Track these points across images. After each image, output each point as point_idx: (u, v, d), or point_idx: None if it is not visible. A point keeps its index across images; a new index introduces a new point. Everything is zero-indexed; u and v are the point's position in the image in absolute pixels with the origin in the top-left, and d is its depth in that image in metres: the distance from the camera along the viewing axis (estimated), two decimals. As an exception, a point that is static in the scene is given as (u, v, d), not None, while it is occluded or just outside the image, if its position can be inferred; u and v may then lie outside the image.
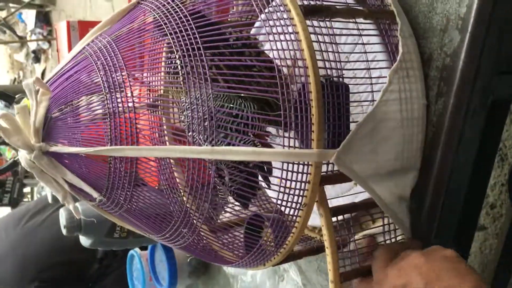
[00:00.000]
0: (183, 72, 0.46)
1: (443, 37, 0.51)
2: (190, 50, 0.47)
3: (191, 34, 0.48)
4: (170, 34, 0.48)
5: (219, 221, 0.72)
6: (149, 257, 1.13)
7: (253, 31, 0.66)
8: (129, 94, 0.46)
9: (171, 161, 0.54)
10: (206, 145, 0.45)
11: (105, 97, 0.47)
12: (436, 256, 0.43)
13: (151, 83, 0.53)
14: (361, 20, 0.52)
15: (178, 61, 0.47)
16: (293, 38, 0.46)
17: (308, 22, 0.47)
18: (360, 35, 0.52)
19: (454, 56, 0.50)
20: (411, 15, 0.54)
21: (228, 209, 0.65)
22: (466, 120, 0.50)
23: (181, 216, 0.53)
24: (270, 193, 0.69)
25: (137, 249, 1.17)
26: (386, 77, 0.51)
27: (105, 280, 1.55)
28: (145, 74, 0.53)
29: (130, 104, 0.46)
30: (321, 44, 0.48)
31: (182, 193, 0.53)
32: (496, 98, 0.52)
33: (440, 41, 0.51)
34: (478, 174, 0.58)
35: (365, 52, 0.52)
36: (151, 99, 0.55)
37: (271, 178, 0.70)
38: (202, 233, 0.57)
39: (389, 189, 0.51)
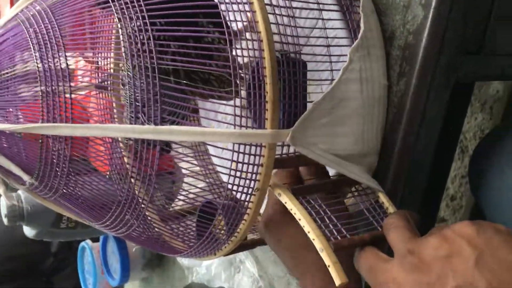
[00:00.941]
0: (125, 42, 0.42)
1: (406, 14, 0.48)
2: (134, 19, 0.43)
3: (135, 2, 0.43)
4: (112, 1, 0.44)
5: (171, 209, 0.69)
6: (101, 249, 1.08)
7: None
8: (64, 66, 0.42)
9: (120, 144, 0.50)
10: (149, 124, 0.41)
11: (37, 71, 0.43)
12: (488, 227, 0.37)
13: (92, 58, 0.49)
14: (321, -6, 0.49)
15: (120, 30, 0.43)
16: (247, 8, 0.42)
17: (264, -4, 0.43)
18: (320, 9, 0.49)
19: (417, 33, 0.47)
20: (374, -9, 0.51)
21: (181, 197, 0.61)
22: (428, 100, 0.48)
23: (127, 203, 0.48)
24: (224, 177, 0.65)
25: (88, 241, 1.11)
26: (346, 55, 0.48)
27: (61, 274, 1.48)
28: (86, 48, 0.48)
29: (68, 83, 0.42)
30: (278, 17, 0.45)
31: (130, 179, 0.49)
32: (460, 79, 0.50)
33: (403, 18, 0.48)
34: (440, 163, 0.56)
35: (325, 28, 0.49)
36: (93, 76, 0.50)
37: (223, 161, 0.67)
38: (151, 222, 0.53)
39: (348, 171, 0.48)
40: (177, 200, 0.67)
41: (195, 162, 0.70)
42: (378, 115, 0.50)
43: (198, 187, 0.64)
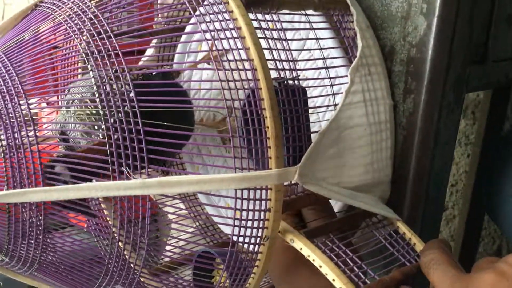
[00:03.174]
0: (98, 85, 0.36)
1: (405, 25, 0.44)
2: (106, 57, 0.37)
3: (105, 38, 0.38)
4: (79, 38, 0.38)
5: (160, 261, 0.62)
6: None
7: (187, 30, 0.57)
8: (27, 114, 0.36)
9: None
10: (136, 178, 0.35)
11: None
12: None
13: (58, 103, 0.42)
14: (310, 12, 0.45)
15: (91, 73, 0.37)
16: (235, 35, 0.37)
17: (251, 16, 0.38)
18: (313, 28, 0.44)
19: (421, 45, 0.43)
20: (365, 4, 0.47)
21: (169, 247, 0.55)
22: (441, 119, 0.44)
23: (114, 262, 0.42)
24: (223, 227, 0.59)
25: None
26: (344, 76, 0.44)
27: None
28: (50, 94, 0.42)
29: (31, 134, 0.35)
30: (269, 41, 0.40)
31: (114, 234, 0.43)
32: (468, 91, 0.46)
33: (403, 30, 0.44)
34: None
35: (320, 49, 0.44)
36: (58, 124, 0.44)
37: (220, 210, 0.61)
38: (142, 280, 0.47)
39: (363, 204, 0.43)
40: (165, 251, 0.60)
41: (182, 206, 0.64)
42: (387, 139, 0.45)
43: (187, 230, 0.58)
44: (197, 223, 0.65)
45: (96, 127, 0.37)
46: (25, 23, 0.43)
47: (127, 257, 0.38)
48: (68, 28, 0.41)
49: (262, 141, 0.37)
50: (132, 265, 0.39)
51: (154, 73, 0.45)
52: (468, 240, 1.10)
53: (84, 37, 0.39)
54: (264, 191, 0.38)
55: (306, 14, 0.44)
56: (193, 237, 0.63)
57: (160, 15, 0.64)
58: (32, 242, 0.37)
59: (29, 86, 0.41)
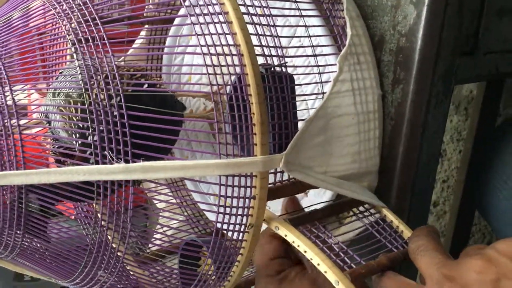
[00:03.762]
0: (82, 70, 0.35)
1: (395, 15, 0.44)
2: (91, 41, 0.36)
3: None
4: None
5: (148, 251, 0.62)
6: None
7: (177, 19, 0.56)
8: (10, 102, 0.35)
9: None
10: (118, 162, 0.34)
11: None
12: None
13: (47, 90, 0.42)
14: (300, -1, 0.44)
15: (76, 61, 0.36)
16: (222, 19, 0.37)
17: (239, 1, 0.38)
18: (302, 16, 0.43)
19: (410, 35, 0.43)
20: (356, -7, 0.46)
21: (158, 235, 0.55)
22: (429, 109, 0.43)
23: (101, 251, 0.41)
24: (209, 215, 0.59)
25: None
26: (333, 65, 0.43)
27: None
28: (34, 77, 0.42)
29: (14, 121, 0.35)
30: (257, 26, 0.39)
31: (100, 222, 0.42)
32: (457, 82, 0.46)
33: (392, 20, 0.44)
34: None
35: (309, 36, 0.44)
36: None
37: (205, 196, 0.60)
38: (128, 268, 0.46)
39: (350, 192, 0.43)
40: (153, 239, 0.60)
41: (170, 194, 0.64)
42: (375, 129, 0.45)
43: (175, 219, 0.58)
44: (186, 213, 0.65)
45: (79, 111, 0.37)
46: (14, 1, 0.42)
47: (113, 245, 0.38)
48: (55, 14, 0.40)
49: (247, 128, 0.36)
50: (117, 252, 0.39)
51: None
52: (459, 235, 1.10)
53: (72, 24, 0.38)
54: (249, 178, 0.37)
55: (296, 1, 0.43)
56: (182, 226, 0.63)
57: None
58: (13, 227, 0.37)
59: (15, 72, 0.41)
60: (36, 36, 0.44)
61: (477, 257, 0.33)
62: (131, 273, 0.46)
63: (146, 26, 0.60)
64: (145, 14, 0.62)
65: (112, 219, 0.39)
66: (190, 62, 0.58)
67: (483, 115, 1.03)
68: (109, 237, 0.40)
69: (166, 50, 0.59)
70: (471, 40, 0.47)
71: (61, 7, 0.40)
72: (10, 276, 0.81)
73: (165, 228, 0.49)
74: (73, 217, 0.46)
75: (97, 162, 0.35)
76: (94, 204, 0.39)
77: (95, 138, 0.35)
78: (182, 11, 0.56)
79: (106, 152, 0.35)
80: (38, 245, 0.42)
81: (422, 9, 0.41)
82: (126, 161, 0.35)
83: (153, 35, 0.62)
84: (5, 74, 0.39)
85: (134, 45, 0.61)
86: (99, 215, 0.38)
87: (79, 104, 0.36)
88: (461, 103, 1.11)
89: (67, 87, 0.36)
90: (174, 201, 0.65)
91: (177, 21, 0.56)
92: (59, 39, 0.42)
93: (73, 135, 0.37)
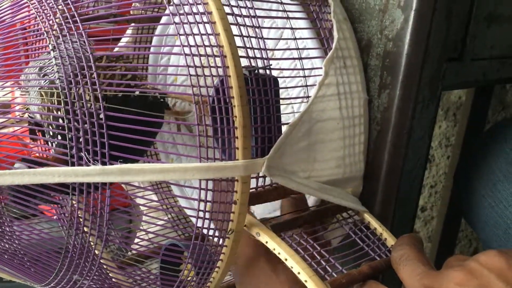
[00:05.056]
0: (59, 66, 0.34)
1: (383, 19, 0.43)
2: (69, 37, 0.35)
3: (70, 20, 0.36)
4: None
5: (129, 253, 0.60)
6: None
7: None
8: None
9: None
10: (94, 164, 0.33)
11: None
12: None
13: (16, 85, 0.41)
14: (287, 1, 0.44)
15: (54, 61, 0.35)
16: (205, 19, 0.36)
17: (223, 1, 0.37)
18: (288, 18, 0.43)
19: (397, 39, 0.42)
20: (344, -5, 0.46)
21: (140, 238, 0.54)
22: (415, 115, 0.43)
23: (76, 255, 0.40)
24: (192, 218, 0.58)
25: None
26: (319, 68, 0.43)
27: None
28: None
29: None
30: (241, 28, 0.39)
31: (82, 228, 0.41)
32: (444, 88, 0.45)
33: (380, 24, 0.43)
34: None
35: (295, 39, 0.43)
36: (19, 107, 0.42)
37: (189, 200, 0.59)
38: (106, 272, 0.45)
39: (333, 197, 0.42)
40: (135, 242, 0.59)
41: (154, 197, 0.63)
42: (360, 134, 0.44)
43: (158, 224, 0.57)
44: (169, 216, 0.64)
45: (55, 110, 0.36)
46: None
47: (92, 247, 0.37)
48: (34, 11, 0.39)
49: (229, 131, 0.36)
50: (95, 256, 0.38)
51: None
52: (445, 241, 1.10)
53: (53, 19, 0.37)
54: (230, 183, 0.36)
55: (282, 3, 0.42)
56: (164, 229, 0.62)
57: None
58: (-14, 228, 0.36)
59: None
60: (17, 34, 0.43)
61: (458, 269, 0.32)
62: (110, 276, 0.45)
63: (133, 24, 0.59)
64: (131, 12, 0.61)
65: (88, 221, 0.38)
66: (177, 63, 0.57)
67: (472, 121, 1.03)
68: (85, 238, 0.39)
69: (152, 49, 0.58)
70: (459, 46, 0.46)
71: (40, 4, 0.39)
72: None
73: (147, 230, 0.48)
74: (55, 217, 0.45)
75: (73, 164, 0.34)
76: (68, 206, 0.38)
77: (72, 138, 0.33)
78: (167, 11, 0.55)
79: (82, 154, 0.34)
80: (13, 247, 0.41)
81: (410, 14, 0.41)
82: (103, 163, 0.34)
83: (139, 33, 0.61)
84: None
85: (119, 44, 0.60)
86: (73, 217, 0.37)
87: (55, 103, 0.35)
88: (449, 109, 1.11)
89: (41, 85, 0.35)
90: (157, 204, 0.64)
91: (163, 20, 0.55)
92: (39, 35, 0.41)
93: (50, 135, 0.36)
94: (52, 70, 0.34)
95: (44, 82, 0.36)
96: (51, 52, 0.34)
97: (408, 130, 0.43)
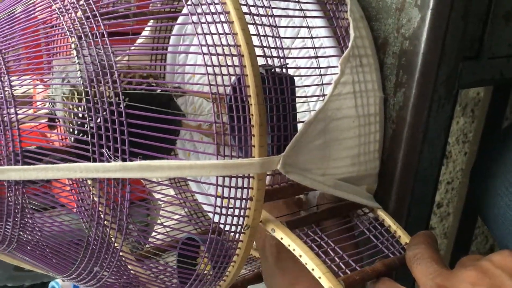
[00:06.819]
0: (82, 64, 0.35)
1: (399, 17, 0.43)
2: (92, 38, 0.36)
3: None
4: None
5: (147, 246, 0.62)
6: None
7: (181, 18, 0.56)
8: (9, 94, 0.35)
9: (88, 181, 0.43)
10: (115, 160, 0.34)
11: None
12: None
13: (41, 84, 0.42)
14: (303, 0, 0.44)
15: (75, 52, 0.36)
16: (223, 19, 0.37)
17: (241, 1, 0.38)
18: (304, 16, 0.43)
19: (414, 38, 0.42)
20: (360, -6, 0.46)
21: (158, 230, 0.55)
22: (431, 113, 0.43)
23: (96, 250, 0.41)
24: (209, 214, 0.59)
25: (58, 280, 1.02)
26: (336, 67, 0.43)
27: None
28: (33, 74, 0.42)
29: (12, 111, 0.35)
30: (259, 27, 0.39)
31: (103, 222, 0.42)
32: (460, 87, 0.45)
33: (397, 22, 0.43)
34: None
35: (311, 38, 0.43)
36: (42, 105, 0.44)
37: (206, 196, 0.60)
38: (125, 264, 0.46)
39: (348, 195, 0.43)
40: (153, 234, 0.60)
41: (171, 191, 0.64)
42: (375, 133, 0.44)
43: (173, 219, 0.58)
44: (185, 210, 0.65)
45: (78, 108, 0.37)
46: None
47: (112, 240, 0.38)
48: (56, 9, 0.40)
49: (246, 129, 0.36)
50: (115, 248, 0.39)
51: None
52: (461, 238, 1.10)
53: (75, 17, 0.38)
54: (246, 180, 0.37)
55: (299, 2, 0.43)
56: (181, 223, 0.63)
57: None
58: (10, 220, 0.37)
59: (15, 63, 0.41)
60: (39, 31, 0.44)
61: (471, 268, 0.33)
62: (129, 268, 0.46)
63: (151, 22, 0.60)
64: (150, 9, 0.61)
65: (109, 215, 0.39)
66: (194, 61, 0.58)
67: (490, 117, 1.03)
68: (106, 231, 0.40)
69: (170, 49, 0.59)
70: (476, 44, 0.46)
71: (62, 2, 0.40)
72: (11, 266, 0.81)
73: (164, 223, 0.49)
74: (74, 210, 0.46)
75: (94, 160, 0.35)
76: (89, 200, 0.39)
77: (93, 135, 0.35)
78: (185, 10, 0.56)
79: (103, 150, 0.35)
80: (35, 238, 0.42)
81: (427, 13, 0.41)
82: (124, 160, 0.35)
83: (157, 32, 0.62)
84: (4, 65, 0.39)
85: (137, 43, 0.61)
86: (94, 211, 0.39)
87: (76, 101, 0.36)
88: (468, 105, 1.10)
89: (64, 84, 0.36)
90: (171, 198, 0.65)
91: (180, 19, 0.56)
92: (60, 34, 0.42)
93: (72, 131, 0.38)
94: (75, 69, 0.35)
95: (66, 80, 0.37)
96: (73, 51, 0.35)
97: (424, 128, 0.43)
